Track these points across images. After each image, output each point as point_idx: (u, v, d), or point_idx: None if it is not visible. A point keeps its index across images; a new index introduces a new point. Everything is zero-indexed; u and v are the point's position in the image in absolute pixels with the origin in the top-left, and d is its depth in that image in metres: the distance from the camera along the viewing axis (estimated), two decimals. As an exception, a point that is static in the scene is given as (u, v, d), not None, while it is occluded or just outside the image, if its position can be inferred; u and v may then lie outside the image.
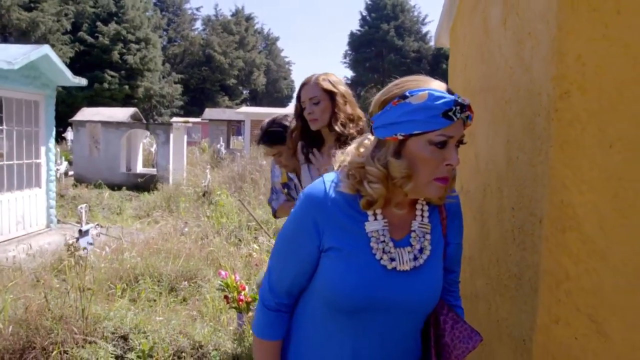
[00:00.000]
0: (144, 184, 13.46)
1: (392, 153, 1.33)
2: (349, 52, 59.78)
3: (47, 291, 3.45)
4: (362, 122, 2.54)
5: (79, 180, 13.81)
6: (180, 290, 4.62)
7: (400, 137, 1.31)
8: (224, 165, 15.10)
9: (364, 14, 58.38)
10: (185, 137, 15.95)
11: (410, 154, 1.31)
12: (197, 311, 4.01)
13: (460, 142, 1.35)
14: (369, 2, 57.83)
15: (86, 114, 15.07)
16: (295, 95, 2.62)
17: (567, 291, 1.84)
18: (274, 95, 59.43)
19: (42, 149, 8.55)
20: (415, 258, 1.38)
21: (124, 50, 38.25)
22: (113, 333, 3.32)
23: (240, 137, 31.84)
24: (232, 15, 57.51)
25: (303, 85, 2.55)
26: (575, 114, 1.85)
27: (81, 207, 5.51)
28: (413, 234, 1.40)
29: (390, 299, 1.35)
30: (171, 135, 14.21)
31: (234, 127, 31.45)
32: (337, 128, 2.44)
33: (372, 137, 1.42)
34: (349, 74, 59.06)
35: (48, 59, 7.91)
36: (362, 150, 1.42)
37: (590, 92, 1.84)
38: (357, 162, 1.37)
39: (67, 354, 3.06)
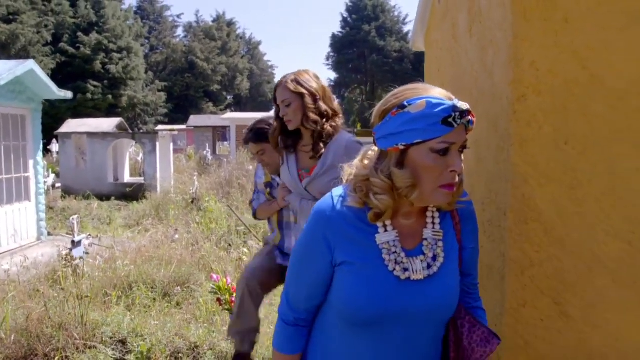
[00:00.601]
0: (132, 194, 13.53)
1: (394, 163, 1.32)
2: (331, 54, 59.94)
3: (46, 300, 3.58)
4: (338, 117, 2.59)
5: (67, 192, 13.84)
6: (173, 296, 4.75)
7: (402, 147, 1.30)
8: (211, 171, 15.20)
9: (344, 15, 58.57)
10: (172, 145, 16.03)
11: (413, 163, 1.30)
12: (191, 314, 4.14)
13: (464, 147, 1.32)
14: (349, 4, 58.05)
15: (71, 125, 15.11)
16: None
17: (532, 277, 2.03)
18: (258, 99, 59.45)
19: (31, 163, 8.63)
20: (429, 266, 1.37)
21: (106, 60, 38.14)
22: (111, 338, 3.45)
23: (226, 143, 31.89)
24: (214, 21, 57.45)
25: (276, 87, 2.61)
26: (532, 114, 2.03)
27: (73, 219, 5.62)
28: (425, 242, 1.38)
29: (406, 309, 1.34)
30: (157, 144, 14.28)
31: (219, 133, 31.47)
32: (309, 126, 2.50)
33: (375, 149, 1.40)
34: (332, 75, 59.25)
35: (33, 74, 8.01)
36: (366, 162, 1.41)
37: (544, 95, 2.03)
38: (362, 175, 1.37)
39: (68, 359, 3.19)
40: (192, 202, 10.04)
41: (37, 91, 8.51)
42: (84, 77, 36.26)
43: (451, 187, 1.30)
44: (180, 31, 59.59)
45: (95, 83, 36.52)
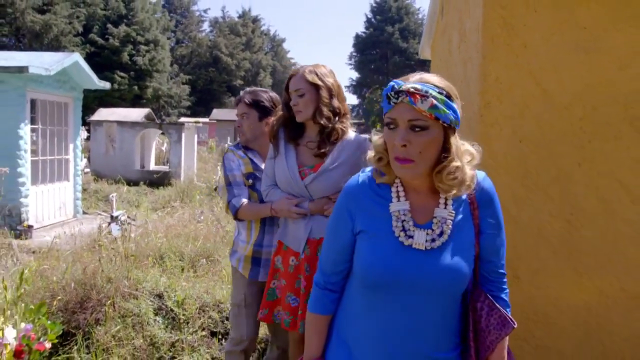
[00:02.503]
0: (157, 180, 14.25)
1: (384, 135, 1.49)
2: (354, 53, 60.31)
3: (100, 257, 4.25)
4: (346, 118, 2.56)
5: (96, 176, 14.62)
6: (199, 266, 5.39)
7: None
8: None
9: (369, 16, 58.90)
10: (196, 136, 16.76)
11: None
12: (215, 280, 4.78)
13: (417, 126, 1.39)
14: (374, 5, 58.36)
15: (103, 114, 15.91)
16: (284, 86, 2.59)
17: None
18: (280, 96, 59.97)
19: (71, 146, 9.42)
20: (433, 240, 1.44)
21: (134, 52, 38.89)
22: (150, 292, 4.10)
23: (241, 137, 32.61)
24: (239, 17, 58.09)
25: (291, 76, 2.54)
26: (495, 118, 2.65)
27: (112, 196, 6.33)
28: (435, 220, 1.46)
29: (409, 276, 1.42)
30: (183, 135, 15.02)
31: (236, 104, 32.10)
32: (322, 121, 2.46)
33: None
34: (354, 75, 59.59)
35: (78, 65, 8.78)
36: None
37: (505, 103, 2.64)
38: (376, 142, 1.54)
39: (115, 305, 3.85)
40: (215, 189, 10.72)
41: (80, 81, 9.29)
42: (112, 68, 37.10)
43: (403, 160, 1.40)
44: (206, 26, 60.59)
45: (122, 74, 37.31)
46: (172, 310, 3.95)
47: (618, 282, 2.66)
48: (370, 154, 1.54)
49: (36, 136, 8.54)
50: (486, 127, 2.64)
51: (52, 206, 8.96)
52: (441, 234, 1.45)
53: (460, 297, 1.53)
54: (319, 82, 2.46)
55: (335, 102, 2.50)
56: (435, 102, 1.37)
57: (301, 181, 2.46)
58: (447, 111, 1.39)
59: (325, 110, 2.45)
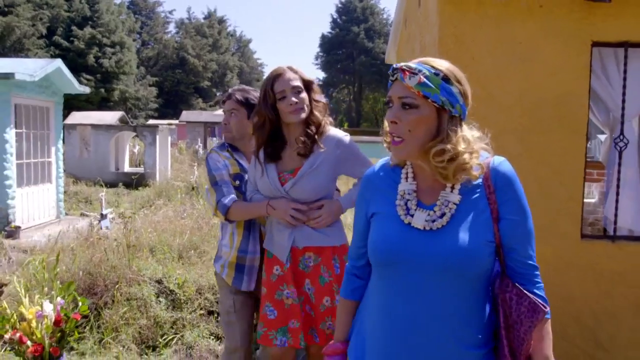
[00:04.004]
0: (132, 182, 14.52)
1: None
2: (320, 53, 60.90)
3: (105, 247, 4.68)
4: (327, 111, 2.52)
5: (73, 178, 14.77)
6: (188, 258, 5.83)
7: None
8: (204, 164, 16.24)
9: (334, 16, 59.57)
10: (169, 138, 17.05)
11: None
12: (207, 268, 5.25)
13: (406, 103, 1.40)
14: (339, 5, 59.05)
15: (76, 117, 16.08)
16: (266, 87, 2.40)
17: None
18: (247, 97, 60.05)
19: (53, 149, 9.70)
20: (434, 221, 1.42)
21: (99, 54, 38.56)
22: (150, 278, 4.55)
23: (214, 138, 32.85)
24: (205, 18, 58.04)
25: (278, 75, 2.38)
26: (450, 117, 3.18)
27: (101, 195, 6.70)
28: (438, 202, 1.45)
29: (408, 253, 1.42)
30: (157, 137, 15.33)
31: (210, 129, 32.40)
32: (320, 115, 2.43)
33: None
34: (321, 75, 60.12)
35: (60, 71, 9.10)
36: None
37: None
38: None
39: (121, 290, 4.30)
40: (193, 189, 11.13)
41: (61, 86, 9.59)
42: (77, 71, 36.64)
43: (393, 140, 1.44)
44: (172, 27, 60.19)
45: (88, 77, 36.91)
46: (172, 292, 4.41)
47: (553, 250, 3.28)
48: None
49: (20, 140, 8.81)
50: (444, 124, 3.21)
51: (36, 208, 9.24)
52: (442, 215, 1.43)
53: (482, 286, 1.45)
54: (310, 78, 2.44)
55: (321, 98, 2.49)
56: (424, 79, 1.37)
57: (282, 187, 2.40)
58: (438, 91, 1.38)
59: (321, 105, 2.46)
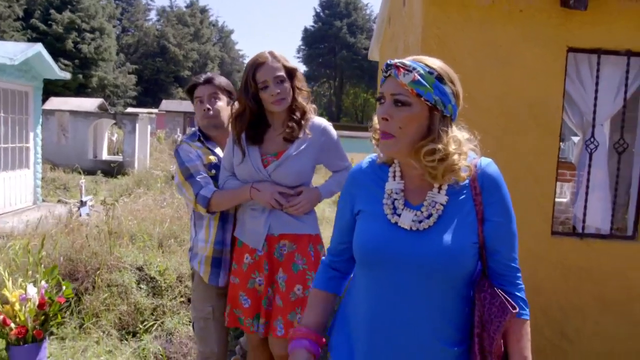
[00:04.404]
0: (110, 170, 14.43)
1: None
2: (302, 47, 60.87)
3: (86, 234, 4.70)
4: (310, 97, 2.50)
5: (50, 165, 14.61)
6: (168, 246, 5.87)
7: None
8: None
9: (317, 10, 59.63)
10: (149, 127, 16.95)
11: None
12: (186, 256, 5.31)
13: (399, 100, 1.39)
14: (322, -1, 59.16)
15: (54, 103, 15.90)
16: (247, 76, 2.35)
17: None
18: (228, 87, 59.74)
19: (31, 135, 9.60)
20: (420, 222, 1.43)
21: (78, 39, 37.96)
22: (131, 265, 4.60)
23: (194, 128, 32.70)
24: (187, 7, 57.54)
25: (260, 64, 2.33)
26: (431, 115, 3.29)
27: (81, 182, 6.69)
28: (425, 202, 1.45)
29: (393, 253, 1.42)
30: (137, 125, 15.23)
31: (190, 119, 32.22)
32: (304, 102, 2.42)
33: None
34: (303, 68, 59.99)
35: (40, 56, 9.01)
36: None
37: (439, 104, 3.29)
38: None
39: (102, 276, 4.34)
40: (172, 178, 11.09)
41: (41, 71, 9.49)
42: (55, 56, 35.35)
43: (382, 134, 1.42)
44: (153, 15, 59.68)
45: (66, 62, 36.28)
46: (152, 279, 4.47)
47: (525, 243, 3.40)
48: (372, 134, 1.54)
49: (-3, 124, 8.74)
50: (424, 122, 3.32)
51: (13, 193, 9.15)
52: (429, 216, 1.43)
53: (464, 286, 1.47)
54: (293, 65, 2.40)
55: (304, 83, 2.46)
56: (418, 77, 1.36)
57: (264, 170, 2.36)
58: (432, 89, 1.37)
59: (305, 93, 2.43)
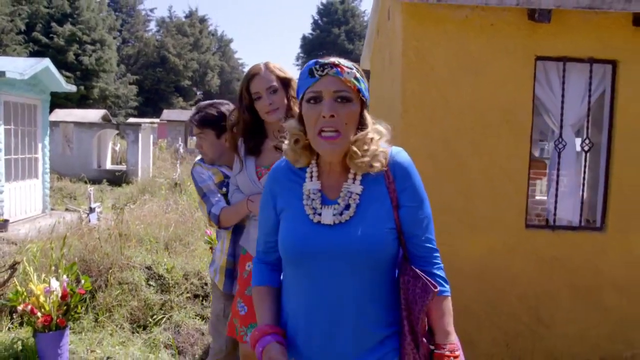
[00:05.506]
0: (115, 179, 14.77)
1: (297, 118, 1.56)
2: (301, 54, 61.14)
3: (99, 236, 5.05)
4: None
5: (57, 175, 14.96)
6: (174, 248, 6.21)
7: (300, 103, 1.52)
8: (188, 160, 16.58)
9: (315, 17, 59.90)
10: (152, 136, 17.31)
11: (303, 115, 1.51)
12: (191, 257, 5.65)
13: (343, 97, 1.44)
14: (320, 7, 59.43)
15: (59, 114, 16.28)
16: (242, 88, 2.43)
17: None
18: (227, 96, 59.67)
19: (40, 146, 10.00)
20: (341, 214, 1.49)
21: (79, 51, 38.25)
22: (140, 265, 4.94)
23: (195, 138, 32.97)
24: (186, 17, 57.86)
25: (254, 75, 2.40)
26: (411, 121, 3.66)
27: (90, 190, 7.03)
28: (341, 194, 1.50)
29: (322, 249, 1.47)
30: (140, 135, 15.60)
31: (190, 128, 32.51)
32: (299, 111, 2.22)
33: None
34: (302, 76, 60.15)
35: (48, 70, 9.42)
36: None
37: (420, 111, 3.66)
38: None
39: (113, 275, 4.68)
40: (175, 185, 11.46)
41: (49, 85, 9.89)
42: (57, 68, 35.69)
43: (327, 135, 1.45)
44: (152, 25, 59.95)
45: (67, 74, 36.42)
46: (161, 277, 4.81)
47: (500, 237, 3.75)
48: (286, 141, 1.58)
49: (8, 136, 9.08)
50: (406, 127, 3.67)
51: (23, 202, 9.51)
52: (347, 207, 1.49)
53: (389, 270, 1.54)
54: (288, 75, 2.43)
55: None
56: (357, 74, 1.46)
57: (258, 182, 2.42)
58: (364, 85, 1.48)
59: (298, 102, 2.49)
